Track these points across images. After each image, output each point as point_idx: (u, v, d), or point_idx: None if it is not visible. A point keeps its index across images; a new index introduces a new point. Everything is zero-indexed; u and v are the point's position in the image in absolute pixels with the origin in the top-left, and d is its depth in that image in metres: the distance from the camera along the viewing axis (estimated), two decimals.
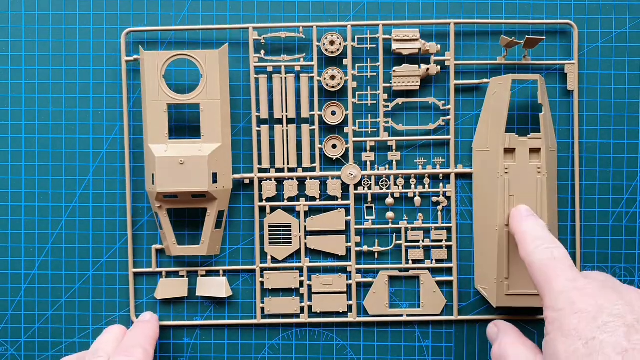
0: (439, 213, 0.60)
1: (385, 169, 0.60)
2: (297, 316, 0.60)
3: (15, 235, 0.60)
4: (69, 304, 0.60)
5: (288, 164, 0.60)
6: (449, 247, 0.60)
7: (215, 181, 0.57)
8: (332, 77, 0.59)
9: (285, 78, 0.59)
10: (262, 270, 0.60)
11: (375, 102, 0.60)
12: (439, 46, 0.59)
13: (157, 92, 0.57)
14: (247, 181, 0.60)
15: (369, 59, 0.60)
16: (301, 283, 0.60)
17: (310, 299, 0.60)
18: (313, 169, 0.60)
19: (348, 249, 0.60)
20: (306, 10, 0.60)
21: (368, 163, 0.60)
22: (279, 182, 0.60)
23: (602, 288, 0.44)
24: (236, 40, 0.60)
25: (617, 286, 0.45)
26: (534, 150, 0.56)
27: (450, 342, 0.60)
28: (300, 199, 0.60)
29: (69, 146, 0.60)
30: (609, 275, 0.47)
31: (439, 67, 0.59)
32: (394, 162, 0.60)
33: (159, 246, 0.60)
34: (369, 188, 0.60)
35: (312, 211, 0.60)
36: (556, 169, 0.59)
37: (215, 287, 0.60)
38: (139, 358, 0.51)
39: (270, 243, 0.60)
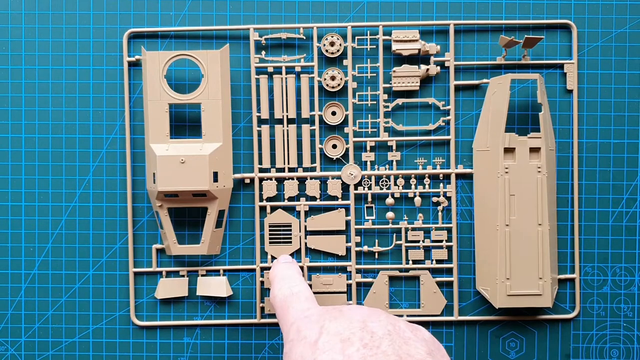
0: (439, 213, 0.60)
1: (386, 169, 0.60)
2: None
3: (15, 235, 0.60)
4: (69, 304, 0.60)
5: (288, 163, 0.60)
6: (449, 247, 0.60)
7: (215, 180, 0.57)
8: (333, 78, 0.59)
9: (286, 78, 0.59)
10: (262, 269, 0.60)
11: (375, 102, 0.60)
12: (438, 47, 0.59)
13: (158, 92, 0.57)
14: (247, 181, 0.60)
15: (369, 60, 0.60)
16: None
17: None
18: (313, 169, 0.60)
19: (348, 249, 0.60)
20: (306, 10, 0.60)
21: (368, 163, 0.60)
22: (280, 181, 0.60)
23: (326, 312, 0.44)
24: (237, 40, 0.60)
25: (344, 308, 0.44)
26: (534, 150, 0.56)
27: (450, 342, 0.60)
28: (301, 198, 0.60)
29: (69, 146, 0.60)
30: (355, 305, 0.47)
31: (438, 67, 0.59)
32: (394, 162, 0.60)
33: (159, 246, 0.60)
34: (369, 188, 0.60)
35: (312, 211, 0.60)
36: (555, 168, 0.59)
37: (215, 286, 0.60)
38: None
39: (270, 243, 0.60)
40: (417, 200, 0.60)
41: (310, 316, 0.44)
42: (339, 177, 0.60)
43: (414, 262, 0.60)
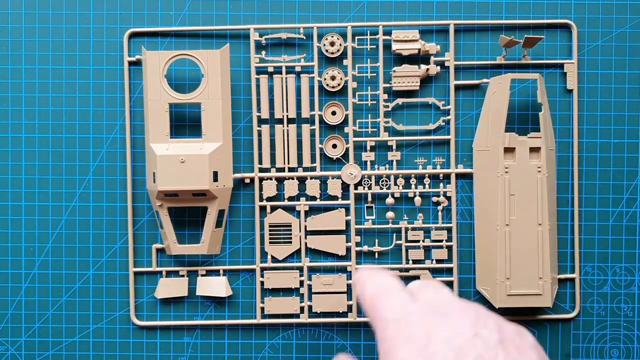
0: (439, 213, 0.60)
1: (386, 168, 0.60)
2: (297, 316, 0.60)
3: (15, 235, 0.60)
4: (69, 304, 0.60)
5: (288, 163, 0.60)
6: (449, 247, 0.60)
7: (215, 180, 0.57)
8: (333, 77, 0.59)
9: (286, 78, 0.59)
10: (262, 269, 0.60)
11: (375, 102, 0.60)
12: (438, 47, 0.59)
13: (158, 92, 0.57)
14: (247, 180, 0.60)
15: (369, 59, 0.60)
16: (301, 283, 0.60)
17: (310, 298, 0.60)
18: (313, 169, 0.60)
19: (348, 249, 0.60)
20: (306, 10, 0.60)
21: (368, 163, 0.60)
22: (280, 181, 0.60)
23: (429, 311, 0.40)
24: (237, 40, 0.60)
25: (445, 307, 0.41)
26: (534, 150, 0.56)
27: None
28: (301, 198, 0.60)
29: (69, 145, 0.60)
30: (440, 286, 0.43)
31: (438, 67, 0.59)
32: (394, 162, 0.60)
33: (159, 245, 0.60)
34: (369, 188, 0.60)
35: (313, 211, 0.60)
36: (555, 168, 0.59)
37: (215, 286, 0.60)
38: None
39: (270, 242, 0.60)
40: (417, 200, 0.60)
41: (410, 315, 0.40)
42: (339, 177, 0.60)
43: (414, 262, 0.60)
